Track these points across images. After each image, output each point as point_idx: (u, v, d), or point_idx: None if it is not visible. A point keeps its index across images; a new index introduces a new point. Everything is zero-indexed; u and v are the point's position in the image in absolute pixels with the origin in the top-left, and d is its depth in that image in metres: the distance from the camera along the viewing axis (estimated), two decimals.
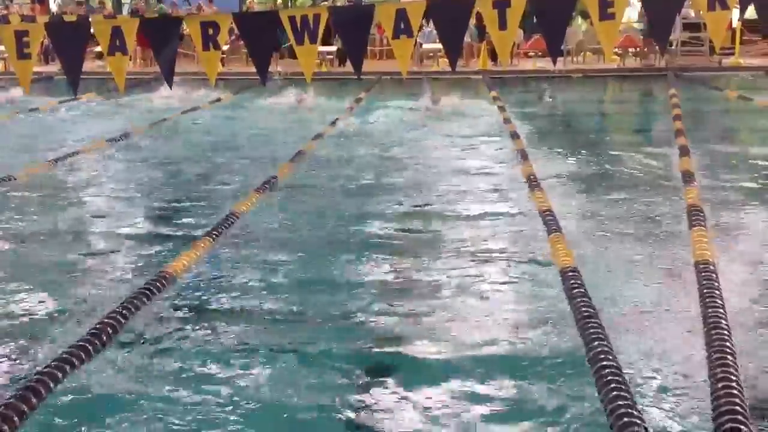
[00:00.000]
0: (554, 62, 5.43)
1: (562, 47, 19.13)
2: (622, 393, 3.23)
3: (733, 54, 18.85)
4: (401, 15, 5.18)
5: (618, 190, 7.49)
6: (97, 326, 4.09)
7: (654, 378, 3.68)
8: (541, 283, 4.87)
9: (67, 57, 5.62)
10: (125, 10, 25.39)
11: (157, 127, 11.93)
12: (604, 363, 3.49)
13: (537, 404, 3.49)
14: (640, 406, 3.22)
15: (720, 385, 3.30)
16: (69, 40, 5.62)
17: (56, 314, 4.62)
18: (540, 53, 19.65)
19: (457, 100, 14.52)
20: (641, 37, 19.29)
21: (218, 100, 14.78)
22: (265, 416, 3.44)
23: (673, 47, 18.89)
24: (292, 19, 5.23)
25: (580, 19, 18.85)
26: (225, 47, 17.22)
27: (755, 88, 14.93)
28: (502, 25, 5.07)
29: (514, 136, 9.80)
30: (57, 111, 13.80)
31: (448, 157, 9.04)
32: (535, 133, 11.22)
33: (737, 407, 3.13)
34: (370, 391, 3.63)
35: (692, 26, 18.86)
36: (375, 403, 3.52)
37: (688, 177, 7.13)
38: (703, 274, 4.52)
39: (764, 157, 9.16)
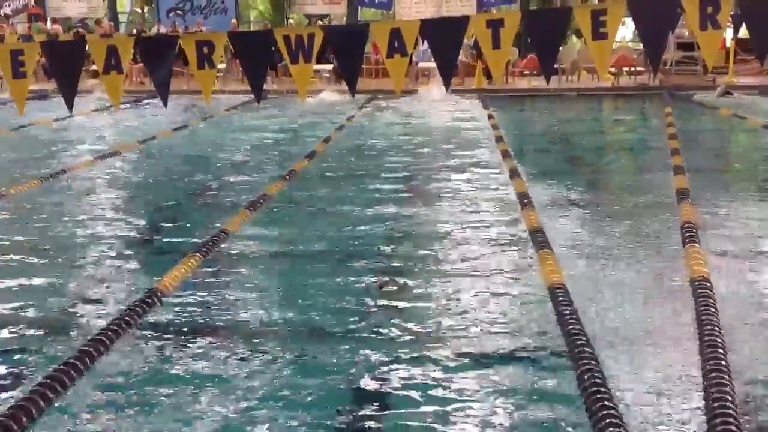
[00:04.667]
0: (548, 81, 5.45)
1: (557, 66, 19.25)
2: (611, 412, 3.23)
3: (726, 73, 18.95)
4: (395, 34, 5.20)
5: (612, 207, 7.51)
6: (88, 344, 4.09)
7: (647, 395, 3.67)
8: (530, 301, 4.86)
9: (63, 75, 5.64)
10: (122, 28, 25.49)
11: (148, 143, 11.95)
12: (592, 381, 3.50)
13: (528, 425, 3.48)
14: (631, 426, 3.22)
15: (716, 404, 3.31)
16: (65, 59, 5.65)
17: (45, 332, 4.59)
18: (535, 72, 19.75)
19: (452, 117, 14.58)
20: (635, 56, 19.40)
21: (210, 116, 14.81)
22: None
23: (667, 66, 19.00)
24: (286, 38, 5.26)
25: (574, 38, 18.96)
26: (221, 65, 17.32)
27: (748, 107, 15.00)
28: (496, 44, 5.09)
29: (506, 155, 9.82)
30: (51, 128, 13.79)
31: (440, 176, 9.05)
32: (529, 151, 11.26)
33: (732, 427, 3.13)
34: (364, 405, 3.62)
35: (686, 45, 18.99)
36: (369, 418, 3.51)
37: (682, 194, 7.15)
38: (698, 291, 4.53)
39: (758, 175, 9.20)
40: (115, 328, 4.32)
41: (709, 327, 3.99)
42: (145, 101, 17.53)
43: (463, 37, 5.47)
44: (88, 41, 5.95)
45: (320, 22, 21.47)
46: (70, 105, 5.73)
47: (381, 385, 3.83)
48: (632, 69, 19.64)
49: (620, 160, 11.18)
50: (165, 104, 5.65)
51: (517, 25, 5.13)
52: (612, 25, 4.98)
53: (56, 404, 3.55)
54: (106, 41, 5.91)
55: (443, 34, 5.30)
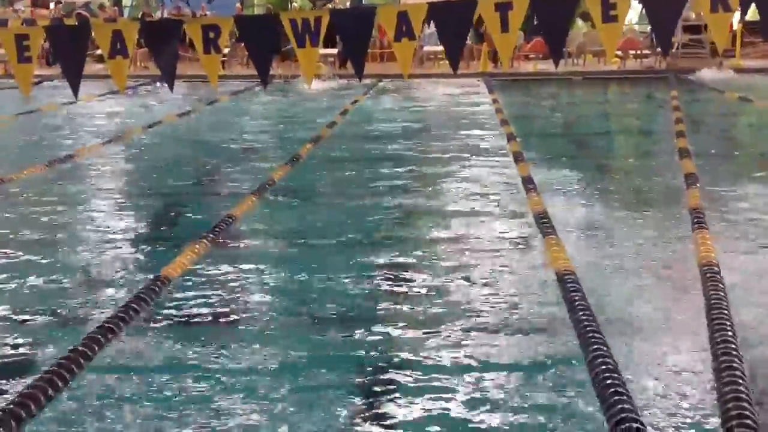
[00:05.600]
0: (556, 65, 5.41)
1: (564, 49, 19.15)
2: (623, 398, 3.21)
3: (733, 56, 18.84)
4: (403, 17, 5.16)
5: (618, 191, 7.48)
6: (96, 331, 4.07)
7: (656, 383, 3.65)
8: (535, 287, 4.84)
9: (68, 61, 5.61)
10: (126, 12, 25.39)
11: (153, 128, 11.93)
12: (603, 367, 3.47)
13: (534, 409, 3.46)
14: (641, 413, 3.20)
15: (727, 388, 3.28)
16: (69, 44, 5.61)
17: (50, 319, 4.59)
18: (540, 55, 19.64)
19: (457, 101, 14.53)
20: (641, 39, 19.28)
21: (215, 101, 14.76)
22: (258, 420, 3.41)
23: (673, 49, 18.89)
24: (293, 21, 5.21)
25: (580, 22, 18.83)
26: (226, 49, 17.26)
27: (755, 90, 14.92)
28: (504, 27, 5.04)
29: (511, 137, 9.77)
30: (57, 113, 13.77)
31: (445, 160, 9.02)
32: (535, 135, 11.21)
33: (746, 411, 3.11)
34: (368, 398, 3.60)
35: (693, 28, 18.86)
36: (372, 409, 3.50)
37: (690, 179, 7.10)
38: (707, 276, 4.50)
39: (763, 157, 9.16)
40: (122, 315, 4.30)
41: (718, 312, 3.96)
42: (150, 86, 17.50)
43: (471, 20, 5.43)
44: (93, 26, 5.92)
45: (329, 6, 21.35)
46: (75, 90, 5.70)
47: (390, 372, 3.82)
48: (638, 52, 19.53)
49: (626, 144, 11.14)
50: (171, 89, 5.62)
51: (526, 8, 5.09)
52: (622, 8, 4.93)
53: (63, 393, 3.54)
54: (111, 26, 5.88)
55: (451, 18, 5.26)
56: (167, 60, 5.50)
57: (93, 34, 5.74)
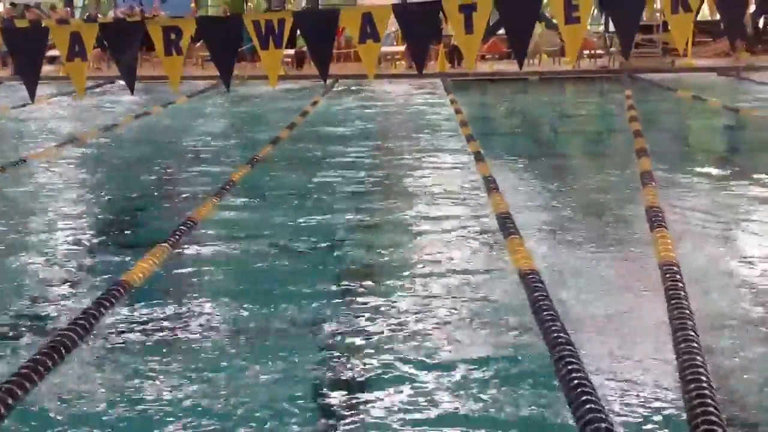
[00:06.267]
0: (520, 65, 5.44)
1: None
2: (591, 398, 3.24)
3: (686, 55, 19.16)
4: (367, 19, 5.16)
5: (576, 190, 7.56)
6: (56, 338, 3.99)
7: (621, 381, 3.70)
8: (500, 287, 4.87)
9: (24, 63, 5.51)
10: (77, 14, 25.00)
11: (109, 131, 11.77)
12: (570, 368, 3.50)
13: (502, 410, 3.48)
14: (608, 410, 3.24)
15: (691, 386, 3.33)
16: (25, 46, 5.51)
17: (8, 327, 4.50)
18: (497, 56, 19.76)
19: (415, 102, 14.58)
20: (595, 39, 19.51)
21: (172, 102, 14.61)
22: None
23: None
24: (256, 23, 5.19)
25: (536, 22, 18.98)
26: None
27: (708, 89, 15.19)
28: (469, 28, 5.07)
29: (470, 138, 9.82)
30: (10, 116, 13.52)
31: (405, 161, 9.03)
32: (492, 135, 11.28)
33: (710, 408, 3.16)
34: (332, 399, 3.59)
35: (645, 28, 19.11)
36: (342, 413, 3.49)
37: (646, 177, 7.20)
38: (667, 275, 4.56)
39: (719, 155, 9.33)
40: (82, 322, 4.22)
41: (679, 311, 4.02)
42: (105, 87, 17.26)
43: (436, 21, 5.45)
44: (50, 28, 5.82)
45: (288, 7, 21.27)
46: (32, 93, 5.60)
47: (352, 378, 3.80)
48: (593, 52, 19.76)
49: (583, 143, 11.26)
50: (132, 91, 5.56)
51: (490, 9, 5.12)
52: (584, 10, 4.99)
53: (18, 406, 3.44)
54: (69, 28, 5.78)
55: (415, 20, 5.28)
56: (127, 62, 5.43)
57: (50, 36, 5.65)
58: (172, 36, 5.25)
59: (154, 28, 5.23)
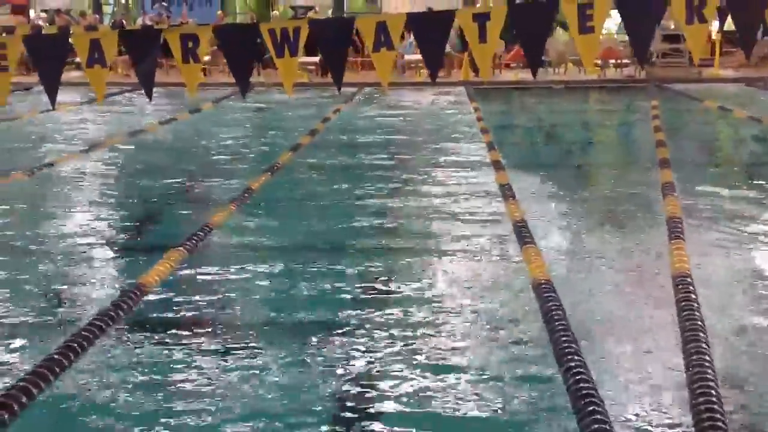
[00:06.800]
0: (534, 74, 5.43)
1: (544, 58, 19.24)
2: (596, 407, 3.23)
3: (712, 65, 19.01)
4: (381, 28, 5.19)
5: (595, 200, 7.54)
6: (71, 339, 4.06)
7: (630, 392, 3.68)
8: (513, 295, 4.86)
9: (46, 69, 5.60)
10: (106, 20, 25.27)
11: (135, 136, 11.89)
12: (578, 377, 3.50)
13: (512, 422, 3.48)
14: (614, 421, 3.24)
15: (701, 399, 3.31)
16: (48, 53, 5.60)
17: (29, 326, 4.58)
18: (522, 64, 19.71)
19: (438, 110, 14.58)
20: (621, 48, 19.40)
21: (198, 109, 14.72)
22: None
23: (653, 59, 19.02)
24: (272, 32, 5.23)
25: (561, 30, 18.91)
26: (206, 57, 17.20)
27: (734, 98, 15.06)
28: (482, 37, 5.08)
29: (491, 146, 9.80)
30: (35, 121, 13.68)
31: (426, 168, 9.05)
32: (516, 144, 11.26)
33: (719, 423, 3.14)
34: (351, 404, 3.62)
35: (672, 38, 18.99)
36: (355, 416, 3.51)
37: (667, 188, 7.15)
38: (680, 287, 4.53)
39: (743, 167, 9.25)
40: (99, 323, 4.29)
41: (691, 323, 3.99)
42: (133, 93, 17.42)
43: (449, 30, 5.47)
44: (71, 34, 5.89)
45: (311, 14, 21.36)
46: (52, 99, 5.68)
47: (371, 376, 3.85)
48: (618, 61, 19.65)
49: (605, 153, 11.22)
50: (150, 97, 5.61)
51: (504, 19, 5.13)
52: (599, 19, 4.98)
53: (38, 400, 3.52)
54: (90, 34, 5.85)
55: (429, 28, 5.30)
56: (145, 68, 5.49)
57: (71, 42, 5.73)
58: (190, 44, 5.31)
59: (172, 36, 5.29)
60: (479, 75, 17.96)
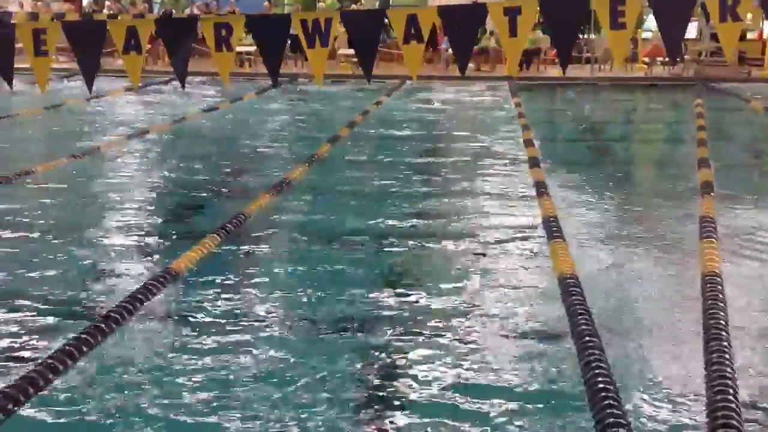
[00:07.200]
0: (564, 71, 5.40)
1: (590, 55, 19.07)
2: (613, 402, 3.23)
3: (762, 65, 18.66)
4: (412, 20, 5.20)
5: (632, 199, 7.47)
6: (99, 321, 4.17)
7: (650, 391, 3.67)
8: (544, 293, 4.86)
9: (84, 56, 5.71)
10: (156, 9, 25.57)
11: (178, 123, 12.05)
12: (597, 371, 3.50)
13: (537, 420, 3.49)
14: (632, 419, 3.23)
15: (718, 397, 3.30)
16: (85, 40, 5.71)
17: (64, 306, 4.70)
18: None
19: (480, 104, 14.54)
20: None
21: (240, 98, 14.85)
22: (265, 418, 3.47)
23: (701, 57, 18.75)
24: (303, 22, 5.27)
25: None
26: (251, 48, 17.34)
27: None
28: (513, 32, 5.06)
29: (530, 142, 9.75)
30: (79, 107, 13.93)
31: (464, 163, 9.04)
32: (556, 140, 11.19)
33: (733, 422, 3.12)
34: (373, 399, 3.65)
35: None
36: (377, 411, 3.54)
37: (706, 188, 7.07)
38: (708, 286, 4.49)
39: None
40: (128, 305, 4.39)
41: (715, 322, 3.96)
42: (176, 82, 17.60)
43: (480, 24, 5.46)
44: (107, 22, 6.01)
45: (354, 6, 21.39)
46: (90, 85, 5.80)
47: (401, 367, 3.90)
48: (666, 59, 19.37)
49: (646, 151, 11.10)
50: (183, 85, 5.70)
51: (535, 13, 5.11)
52: (630, 15, 4.93)
53: (61, 381, 3.61)
54: (126, 22, 5.97)
55: (460, 21, 5.29)
56: (180, 57, 5.57)
57: (108, 29, 5.84)
58: (224, 32, 5.37)
59: (206, 24, 5.36)
60: (524, 69, 17.85)
